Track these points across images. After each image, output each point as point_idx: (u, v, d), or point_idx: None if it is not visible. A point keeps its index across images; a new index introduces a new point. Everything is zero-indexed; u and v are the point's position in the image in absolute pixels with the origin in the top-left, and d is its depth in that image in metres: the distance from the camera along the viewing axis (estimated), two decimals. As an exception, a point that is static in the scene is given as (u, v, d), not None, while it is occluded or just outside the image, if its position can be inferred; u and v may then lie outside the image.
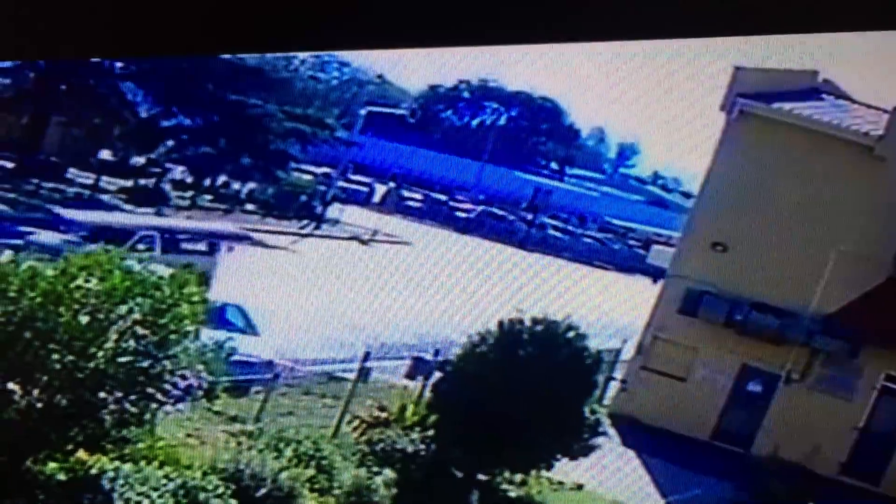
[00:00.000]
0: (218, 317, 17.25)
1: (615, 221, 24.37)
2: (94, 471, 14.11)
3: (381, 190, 24.51)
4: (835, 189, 20.56)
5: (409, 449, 16.22)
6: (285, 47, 16.07)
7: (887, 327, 20.06)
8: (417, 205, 24.38)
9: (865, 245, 20.30)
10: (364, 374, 18.09)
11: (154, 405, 14.56)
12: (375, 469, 16.07)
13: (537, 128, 24.40)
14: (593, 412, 17.14)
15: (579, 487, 17.62)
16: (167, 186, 22.84)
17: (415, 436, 16.40)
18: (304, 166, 23.63)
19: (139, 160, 22.94)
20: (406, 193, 24.44)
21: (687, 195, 23.17)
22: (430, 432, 16.52)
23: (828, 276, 20.33)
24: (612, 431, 18.21)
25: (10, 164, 22.17)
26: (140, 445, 14.64)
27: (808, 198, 20.54)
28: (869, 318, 20.06)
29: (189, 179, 22.99)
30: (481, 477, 16.64)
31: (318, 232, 23.01)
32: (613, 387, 20.53)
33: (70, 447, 14.32)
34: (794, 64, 21.07)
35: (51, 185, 22.05)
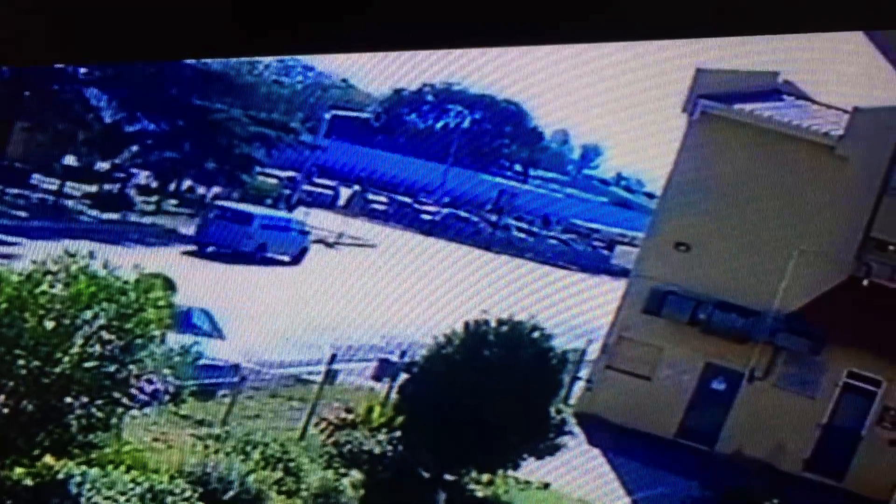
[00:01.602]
0: (184, 321, 17.18)
1: (579, 222, 24.40)
2: (60, 476, 14.07)
3: (345, 193, 24.40)
4: (796, 189, 20.70)
5: (377, 450, 16.21)
6: (250, 52, 16.09)
7: (849, 325, 20.20)
8: (382, 207, 24.28)
9: (827, 244, 20.44)
10: (330, 376, 18.06)
11: (120, 410, 14.54)
12: (343, 471, 16.07)
13: (501, 130, 24.42)
14: (559, 412, 17.21)
15: (546, 486, 17.66)
16: (132, 191, 22.73)
17: (382, 437, 16.39)
18: (268, 170, 23.54)
19: (104, 165, 22.79)
20: (371, 196, 24.35)
21: (650, 196, 23.23)
22: (397, 433, 16.51)
23: (790, 275, 20.47)
24: (577, 430, 18.28)
25: (-28, 171, 22.03)
26: (107, 450, 14.59)
27: (769, 198, 20.66)
28: (831, 316, 20.20)
29: (154, 184, 22.82)
30: (448, 477, 16.65)
31: (283, 236, 22.95)
32: (579, 386, 20.59)
33: (36, 452, 14.26)
34: (755, 65, 21.20)
35: (15, 190, 21.92)
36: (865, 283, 20.55)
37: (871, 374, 20.29)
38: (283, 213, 20.26)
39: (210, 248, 18.39)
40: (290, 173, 23.88)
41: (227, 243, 18.94)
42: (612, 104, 19.86)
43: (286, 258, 19.26)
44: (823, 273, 20.45)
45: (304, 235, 19.77)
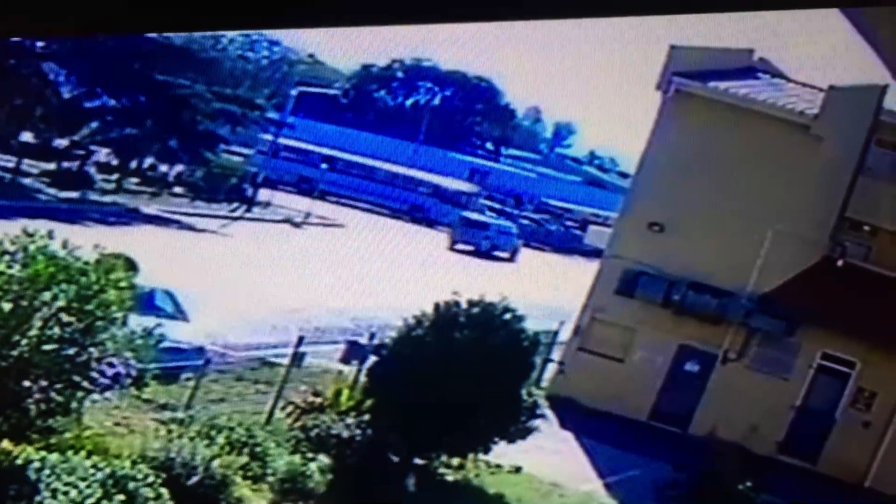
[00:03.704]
0: (146, 302, 16.94)
1: (552, 202, 24.38)
2: (19, 461, 13.73)
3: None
4: (771, 168, 20.61)
5: (345, 434, 16.03)
6: (213, 26, 15.68)
7: (823, 306, 20.16)
8: (351, 186, 24.23)
9: (802, 224, 20.37)
10: (298, 358, 17.86)
11: (81, 393, 14.25)
12: (310, 455, 15.88)
13: (472, 108, 24.31)
14: (531, 394, 17.07)
15: (517, 470, 17.55)
16: (92, 169, 22.43)
17: (350, 421, 16.19)
18: (234, 148, 23.38)
19: (62, 142, 22.47)
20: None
21: (623, 175, 23.19)
22: (366, 417, 16.33)
23: (764, 256, 20.39)
24: (549, 413, 18.14)
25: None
26: (67, 435, 14.30)
27: (744, 177, 20.56)
28: (805, 297, 20.15)
29: (114, 162, 22.58)
30: (418, 461, 16.51)
31: (248, 215, 22.80)
32: (551, 369, 20.51)
33: (-6, 437, 13.96)
34: (730, 43, 21.09)
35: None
36: (840, 263, 20.50)
37: (845, 356, 20.26)
38: (507, 223, 24.29)
39: (459, 245, 23.39)
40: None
41: (471, 242, 23.53)
42: (586, 81, 19.75)
43: (506, 255, 23.82)
44: (798, 253, 20.39)
45: (518, 239, 24.03)
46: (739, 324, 20.54)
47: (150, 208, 21.79)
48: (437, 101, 24.05)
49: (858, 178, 20.76)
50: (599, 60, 19.11)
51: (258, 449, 15.61)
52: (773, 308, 20.40)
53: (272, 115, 23.29)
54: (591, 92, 19.88)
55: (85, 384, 14.16)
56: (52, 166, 22.33)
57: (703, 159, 20.82)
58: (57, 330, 13.94)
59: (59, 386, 14.02)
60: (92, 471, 13.67)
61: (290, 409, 16.91)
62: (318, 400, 16.93)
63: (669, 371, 20.69)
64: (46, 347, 13.85)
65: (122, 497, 13.41)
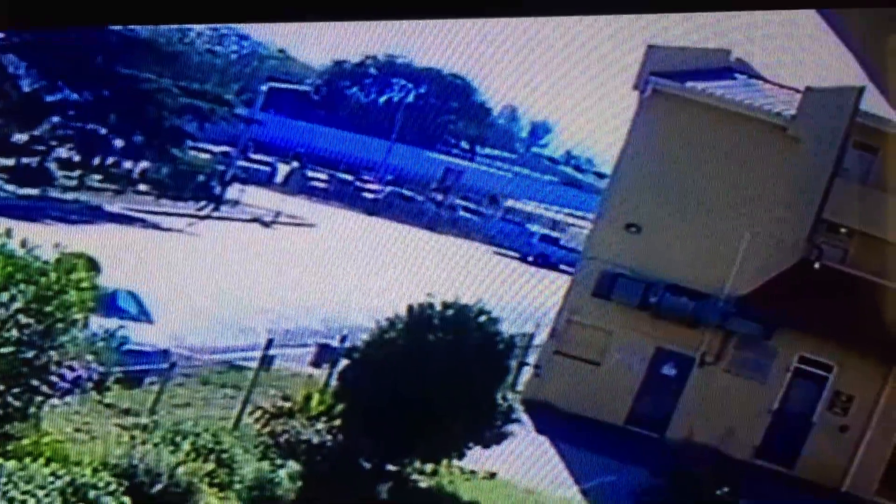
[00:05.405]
0: (109, 303, 16.81)
1: (528, 202, 24.40)
2: (-26, 469, 13.45)
3: (283, 169, 24.25)
4: (748, 169, 20.63)
5: (315, 440, 16.00)
6: (180, 19, 15.52)
7: (800, 309, 20.17)
8: (322, 185, 24.08)
9: (779, 226, 20.41)
10: (266, 362, 17.78)
11: (39, 398, 14.10)
12: (279, 461, 15.85)
13: (447, 105, 24.21)
14: (506, 398, 17.02)
15: (492, 476, 17.43)
16: (52, 165, 22.10)
17: (320, 426, 16.21)
18: (201, 144, 23.18)
19: (22, 137, 22.13)
20: (310, 173, 24.22)
21: (600, 175, 23.17)
22: (337, 422, 16.33)
23: (741, 258, 20.39)
24: (525, 418, 18.05)
25: None
26: (24, 441, 14.11)
27: (721, 178, 20.57)
28: (782, 300, 20.17)
29: (76, 158, 22.21)
30: (390, 467, 16.41)
31: (216, 213, 22.60)
32: (527, 372, 20.41)
33: (-51, 444, 13.69)
34: (707, 43, 21.10)
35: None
36: (817, 266, 20.54)
37: (822, 359, 20.28)
38: (555, 234, 23.79)
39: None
40: (225, 148, 23.51)
41: (513, 246, 23.20)
42: (563, 80, 19.64)
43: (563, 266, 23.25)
44: (775, 256, 20.42)
45: (568, 252, 23.35)
46: (716, 327, 20.53)
47: (114, 206, 21.65)
48: (410, 98, 23.94)
49: (835, 180, 20.82)
50: (576, 59, 19.02)
51: (225, 455, 15.50)
52: (751, 311, 20.40)
53: (241, 110, 23.14)
54: (568, 91, 19.78)
55: (44, 388, 14.06)
56: (10, 162, 21.92)
57: (681, 160, 20.85)
58: (15, 332, 13.87)
59: (16, 390, 13.92)
60: (51, 479, 13.54)
61: (258, 414, 16.83)
62: (288, 404, 16.88)
63: (646, 374, 20.65)
64: (3, 350, 13.75)
65: (82, 506, 13.14)
